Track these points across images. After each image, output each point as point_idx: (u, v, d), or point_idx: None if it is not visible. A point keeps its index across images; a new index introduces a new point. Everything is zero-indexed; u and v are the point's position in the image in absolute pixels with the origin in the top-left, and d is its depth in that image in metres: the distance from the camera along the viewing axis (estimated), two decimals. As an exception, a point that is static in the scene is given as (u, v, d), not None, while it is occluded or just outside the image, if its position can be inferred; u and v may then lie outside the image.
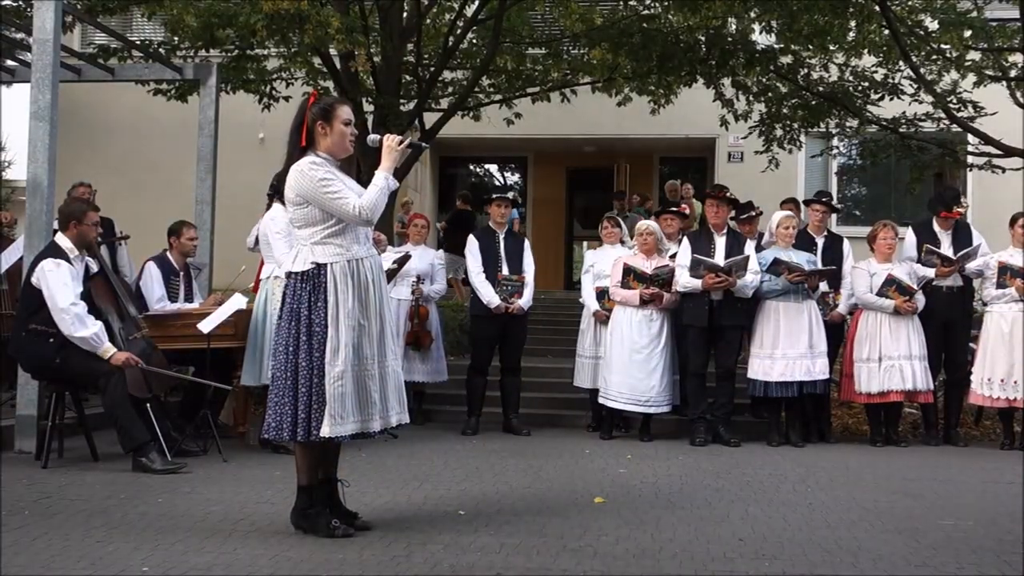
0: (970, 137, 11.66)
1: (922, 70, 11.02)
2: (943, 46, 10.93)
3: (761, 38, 12.06)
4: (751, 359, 7.84)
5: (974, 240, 8.17)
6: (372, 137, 4.76)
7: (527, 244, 8.65)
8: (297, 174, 4.42)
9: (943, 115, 11.19)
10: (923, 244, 8.11)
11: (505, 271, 8.23)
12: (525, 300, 8.21)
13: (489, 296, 8.10)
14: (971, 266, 8.00)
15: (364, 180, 4.64)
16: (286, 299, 4.47)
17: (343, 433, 4.36)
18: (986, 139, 10.95)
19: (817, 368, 7.65)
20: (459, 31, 11.65)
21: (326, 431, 4.33)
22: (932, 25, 11.11)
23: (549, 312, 13.28)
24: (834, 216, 12.69)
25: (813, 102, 11.96)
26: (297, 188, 4.42)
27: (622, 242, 8.59)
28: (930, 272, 7.92)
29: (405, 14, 11.62)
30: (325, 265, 4.41)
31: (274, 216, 6.80)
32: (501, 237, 8.35)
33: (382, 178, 4.47)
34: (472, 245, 8.35)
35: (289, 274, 4.51)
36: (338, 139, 4.51)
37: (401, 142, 4.58)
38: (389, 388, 4.51)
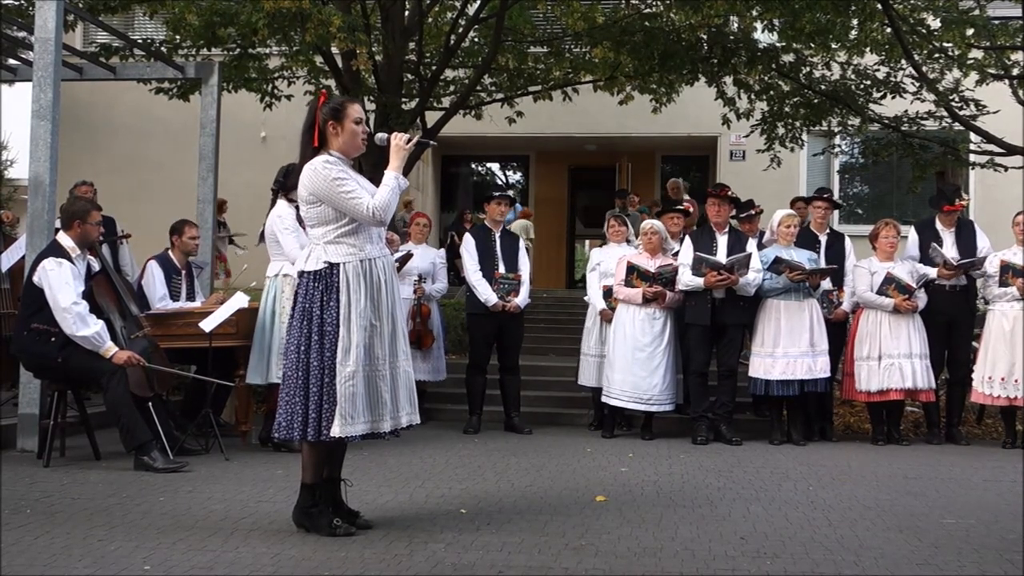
0: (972, 135, 11.66)
1: (924, 68, 11.02)
2: (945, 44, 10.93)
3: (763, 36, 12.06)
4: (752, 358, 7.84)
5: (978, 240, 8.16)
6: (380, 136, 4.75)
7: (522, 243, 8.65)
8: (311, 172, 4.42)
9: (945, 113, 11.19)
10: (927, 243, 8.10)
11: (502, 269, 8.23)
12: (522, 299, 8.22)
13: (487, 294, 8.10)
14: (976, 273, 8.02)
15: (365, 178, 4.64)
16: (298, 298, 4.47)
17: (354, 433, 4.35)
18: (988, 137, 10.95)
19: (818, 367, 7.64)
20: (461, 30, 11.65)
21: (337, 431, 4.33)
22: (934, 23, 11.10)
23: (551, 311, 13.30)
24: (836, 214, 12.72)
25: (815, 100, 11.96)
26: (311, 187, 4.41)
27: (628, 240, 8.59)
28: (932, 272, 7.91)
29: (407, 12, 11.62)
30: (338, 265, 4.41)
31: (280, 214, 6.78)
32: (497, 236, 8.35)
33: (392, 178, 4.47)
34: (468, 243, 8.36)
35: (301, 273, 4.50)
36: (349, 138, 4.51)
37: (408, 140, 4.58)
38: (400, 388, 4.51)
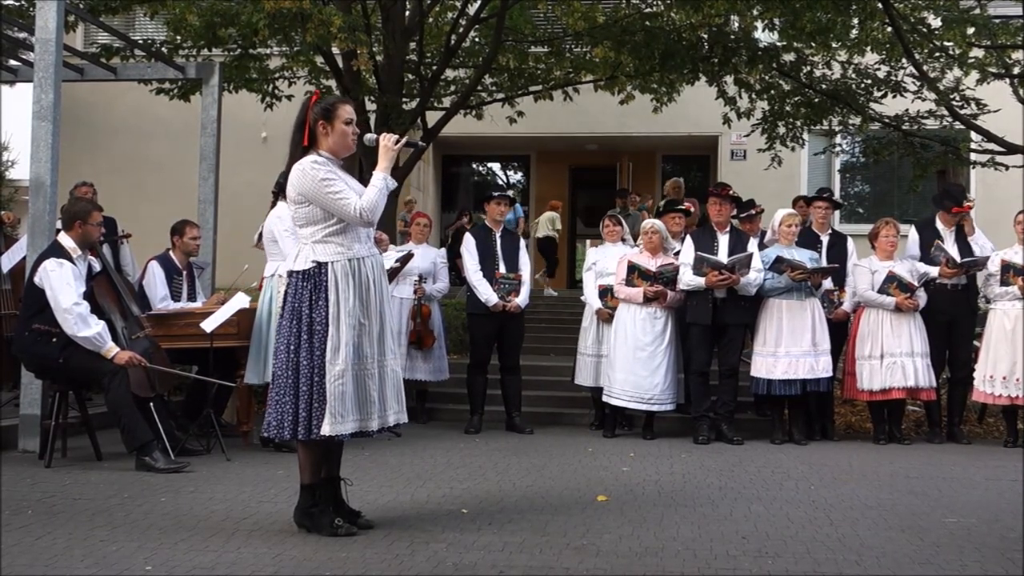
0: (973, 134, 11.65)
1: (925, 67, 11.02)
2: (946, 43, 10.93)
3: (763, 36, 12.06)
4: (754, 357, 7.84)
5: (978, 239, 8.17)
6: (369, 136, 4.76)
7: (523, 243, 8.66)
8: (299, 173, 4.43)
9: (946, 112, 11.19)
10: (928, 242, 8.10)
11: (502, 269, 8.23)
12: (522, 299, 8.22)
13: (487, 294, 8.11)
14: (980, 273, 8.03)
15: (365, 179, 4.64)
16: (287, 298, 4.48)
17: (343, 432, 4.37)
18: (989, 136, 10.95)
19: (820, 366, 7.64)
20: (461, 29, 11.64)
21: (327, 430, 4.34)
22: (935, 22, 11.10)
23: (552, 310, 13.30)
24: (837, 214, 12.72)
25: (816, 100, 11.96)
26: (299, 187, 4.43)
27: (623, 240, 8.59)
28: (933, 270, 7.91)
29: (407, 12, 11.62)
30: (326, 264, 4.42)
31: (280, 215, 6.81)
32: (498, 236, 8.35)
33: (380, 178, 4.49)
34: (469, 243, 8.35)
35: (290, 273, 4.52)
36: (339, 139, 4.52)
37: (397, 141, 4.59)
38: (388, 387, 4.52)
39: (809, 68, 11.89)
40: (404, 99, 11.50)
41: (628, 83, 12.12)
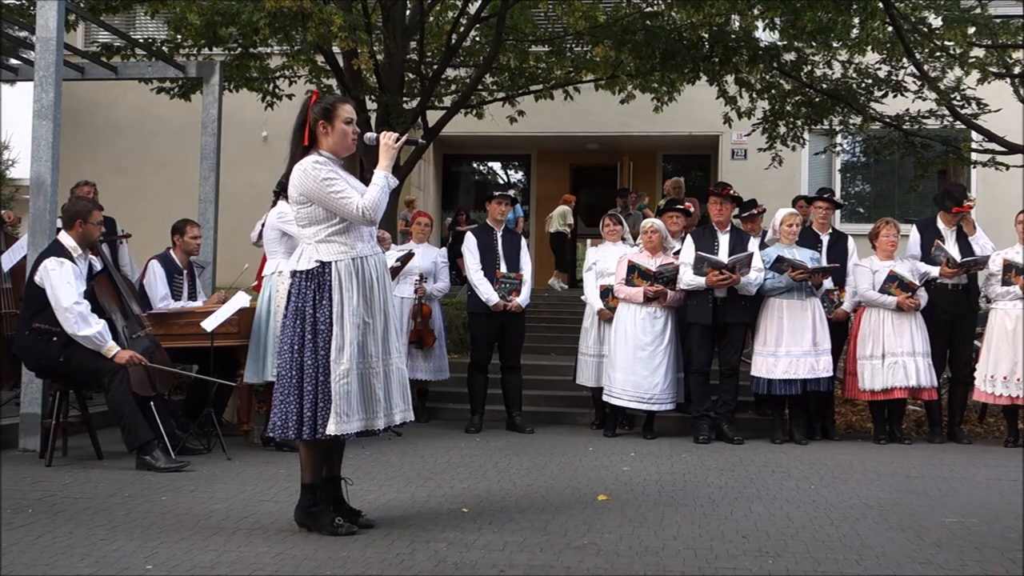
0: (974, 134, 11.65)
1: (925, 67, 11.01)
2: (946, 43, 10.93)
3: (764, 35, 12.06)
4: (755, 357, 7.84)
5: (980, 238, 8.17)
6: (369, 135, 4.77)
7: (524, 242, 8.65)
8: (300, 173, 4.44)
9: (947, 112, 11.19)
10: (929, 242, 8.10)
11: (503, 269, 8.23)
12: (523, 298, 8.22)
13: (488, 294, 8.11)
14: (981, 273, 8.03)
15: (366, 178, 4.65)
16: (291, 298, 4.48)
17: (349, 431, 4.37)
18: (990, 136, 10.94)
19: (821, 366, 7.64)
20: (462, 29, 11.64)
21: (332, 429, 4.34)
22: (936, 22, 11.10)
23: (552, 309, 13.30)
24: (838, 213, 12.73)
25: (817, 99, 11.96)
26: (301, 187, 4.43)
27: (623, 239, 8.58)
28: (933, 270, 7.91)
29: (408, 12, 11.62)
30: (329, 263, 4.42)
31: (281, 211, 6.84)
32: (499, 235, 8.35)
33: (382, 177, 4.49)
34: (470, 243, 8.35)
35: (294, 273, 4.52)
36: (339, 138, 4.52)
37: (397, 139, 4.59)
38: (393, 386, 4.52)
39: (810, 68, 11.88)
40: (405, 98, 11.50)
41: (629, 82, 12.12)
